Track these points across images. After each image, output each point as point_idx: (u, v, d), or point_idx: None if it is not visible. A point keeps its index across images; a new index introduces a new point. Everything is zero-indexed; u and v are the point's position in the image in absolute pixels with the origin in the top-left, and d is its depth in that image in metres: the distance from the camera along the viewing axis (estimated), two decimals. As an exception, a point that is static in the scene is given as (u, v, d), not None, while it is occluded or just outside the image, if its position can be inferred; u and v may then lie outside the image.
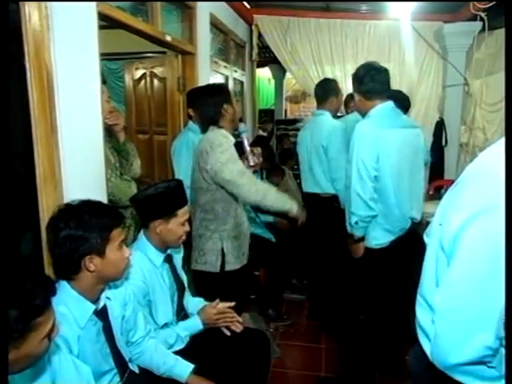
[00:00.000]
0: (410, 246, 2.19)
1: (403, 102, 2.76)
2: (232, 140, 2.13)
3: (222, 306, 1.81)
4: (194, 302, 1.93)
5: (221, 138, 2.05)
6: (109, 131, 1.96)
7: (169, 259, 1.79)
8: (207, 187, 2.08)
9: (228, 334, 1.80)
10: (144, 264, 1.67)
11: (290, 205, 2.10)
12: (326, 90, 3.04)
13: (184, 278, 1.91)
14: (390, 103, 2.14)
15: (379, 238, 2.15)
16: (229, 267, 2.15)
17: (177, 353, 1.66)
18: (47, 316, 0.90)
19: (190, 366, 1.57)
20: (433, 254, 1.03)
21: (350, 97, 3.25)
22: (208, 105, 2.14)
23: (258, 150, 2.43)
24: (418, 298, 1.09)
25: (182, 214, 1.71)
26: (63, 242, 1.23)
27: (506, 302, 0.84)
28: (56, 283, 1.27)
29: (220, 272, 2.13)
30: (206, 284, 2.16)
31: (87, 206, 1.30)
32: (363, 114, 2.20)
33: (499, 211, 0.80)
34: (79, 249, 1.23)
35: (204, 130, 2.19)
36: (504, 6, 1.06)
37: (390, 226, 2.14)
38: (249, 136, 2.37)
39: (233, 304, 1.82)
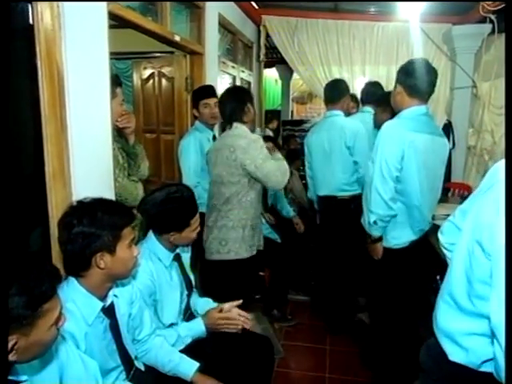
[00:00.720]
0: (428, 247, 2.25)
1: None
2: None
3: (230, 305, 1.79)
4: (201, 302, 1.94)
5: (253, 134, 2.25)
6: (119, 132, 1.97)
7: (178, 258, 1.80)
8: (238, 180, 2.19)
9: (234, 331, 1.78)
10: (152, 263, 1.68)
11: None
12: (339, 91, 3.00)
13: (192, 276, 1.92)
14: (425, 107, 2.10)
15: (399, 237, 2.15)
16: (243, 255, 2.27)
17: (181, 352, 1.66)
18: (54, 303, 0.91)
19: (195, 365, 1.58)
20: (462, 255, 1.04)
21: (350, 98, 3.28)
22: (235, 101, 2.27)
23: (270, 144, 2.56)
24: (445, 297, 1.10)
25: (195, 221, 1.74)
26: (75, 238, 1.23)
27: (506, 302, 0.85)
28: (65, 280, 1.29)
29: (234, 259, 2.25)
30: (227, 272, 2.26)
31: (100, 203, 1.31)
32: (397, 110, 2.16)
33: None
34: (91, 245, 1.24)
35: (225, 127, 2.33)
36: (505, 9, 1.07)
37: (410, 226, 2.15)
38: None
39: (240, 302, 1.81)
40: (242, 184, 2.20)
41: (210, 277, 2.31)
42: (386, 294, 2.29)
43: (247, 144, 2.15)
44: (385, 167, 2.00)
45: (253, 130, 2.41)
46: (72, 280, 1.29)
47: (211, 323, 1.76)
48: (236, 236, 2.24)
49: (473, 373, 1.06)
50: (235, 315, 1.76)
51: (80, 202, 1.30)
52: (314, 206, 3.26)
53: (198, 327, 1.77)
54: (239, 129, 2.24)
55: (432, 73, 2.08)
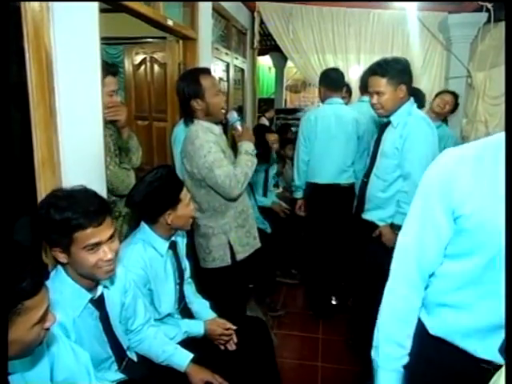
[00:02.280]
0: None
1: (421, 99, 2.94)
2: (215, 133, 2.05)
3: (230, 327, 1.81)
4: (199, 302, 1.93)
5: (200, 138, 1.94)
6: (111, 121, 1.92)
7: (173, 246, 1.78)
8: (200, 184, 2.02)
9: (222, 348, 1.81)
10: (147, 254, 1.66)
11: (247, 149, 2.05)
12: (340, 79, 3.01)
13: (187, 264, 1.91)
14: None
15: None
16: (240, 257, 2.14)
17: (178, 342, 1.66)
18: (37, 301, 0.86)
19: (189, 356, 1.57)
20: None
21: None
22: (180, 100, 2.07)
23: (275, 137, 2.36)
24: None
25: (185, 195, 1.71)
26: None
27: (506, 302, 0.84)
28: (53, 270, 1.25)
29: (232, 264, 2.12)
30: (216, 280, 2.16)
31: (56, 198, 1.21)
32: (393, 111, 2.16)
33: None
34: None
35: (186, 123, 2.09)
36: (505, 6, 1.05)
37: None
38: (243, 123, 2.23)
39: (235, 327, 1.82)
40: (205, 188, 2.02)
41: (203, 284, 2.18)
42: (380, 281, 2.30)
43: (193, 151, 1.94)
44: (425, 160, 1.95)
45: (217, 123, 2.11)
46: (59, 270, 1.25)
47: (211, 332, 1.78)
48: (219, 243, 2.10)
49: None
50: (231, 332, 1.81)
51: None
52: (297, 194, 3.19)
53: (197, 329, 1.78)
54: (193, 127, 2.03)
55: None
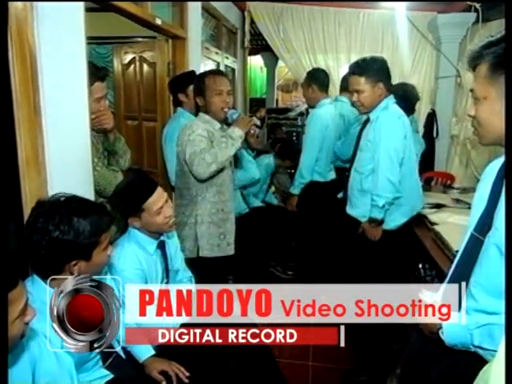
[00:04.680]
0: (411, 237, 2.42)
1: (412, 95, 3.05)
2: (214, 127, 2.15)
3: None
4: None
5: (194, 123, 2.13)
6: None
7: (162, 245, 1.77)
8: (182, 168, 2.13)
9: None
10: (139, 253, 1.66)
11: (230, 133, 2.08)
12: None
13: (179, 261, 1.90)
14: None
15: (397, 219, 2.27)
16: (204, 253, 2.14)
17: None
18: (15, 295, 0.86)
19: (151, 352, 1.54)
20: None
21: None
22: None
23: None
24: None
25: (153, 203, 1.64)
26: (49, 244, 1.18)
27: (506, 302, 0.84)
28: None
29: (196, 257, 2.13)
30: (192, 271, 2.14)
31: (77, 205, 1.24)
32: (371, 108, 2.24)
33: None
34: (66, 254, 1.20)
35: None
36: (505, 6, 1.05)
37: (409, 208, 2.29)
38: (241, 115, 2.27)
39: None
40: (186, 173, 2.11)
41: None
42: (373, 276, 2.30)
43: (183, 131, 2.13)
44: (393, 152, 2.11)
45: (223, 120, 2.21)
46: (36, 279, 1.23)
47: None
48: (189, 233, 2.13)
49: None
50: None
51: (53, 203, 1.22)
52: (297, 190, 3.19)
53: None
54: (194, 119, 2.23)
55: None
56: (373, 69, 2.19)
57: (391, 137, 2.13)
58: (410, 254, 2.41)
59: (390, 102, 2.24)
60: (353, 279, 2.48)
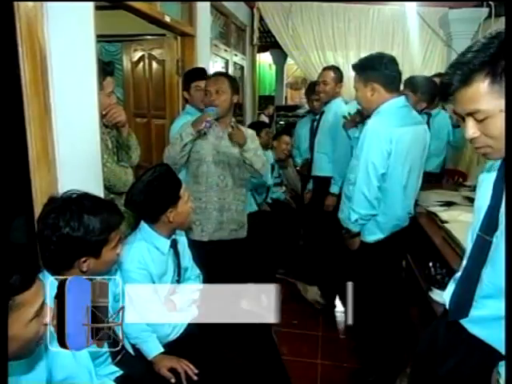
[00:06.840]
0: (407, 237, 2.21)
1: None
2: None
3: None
4: None
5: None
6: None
7: (174, 244, 1.78)
8: None
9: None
10: (149, 253, 1.67)
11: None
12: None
13: (187, 259, 1.90)
14: (403, 98, 2.04)
15: (375, 234, 2.11)
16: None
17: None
18: (29, 296, 0.85)
19: (160, 349, 1.56)
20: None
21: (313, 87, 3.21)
22: None
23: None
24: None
25: (183, 192, 1.72)
26: (59, 240, 1.19)
27: (506, 302, 0.83)
28: None
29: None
30: None
31: (89, 203, 1.25)
32: (372, 109, 2.04)
33: None
34: (76, 250, 1.21)
35: None
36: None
37: (387, 225, 2.08)
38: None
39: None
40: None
41: None
42: (363, 284, 2.26)
43: None
44: (371, 166, 1.93)
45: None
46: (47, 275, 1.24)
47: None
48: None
49: None
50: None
51: (65, 200, 1.24)
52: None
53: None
54: None
55: (395, 61, 2.04)
56: (365, 67, 2.01)
57: (371, 151, 1.94)
58: (420, 252, 2.38)
59: (386, 107, 1.99)
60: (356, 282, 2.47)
